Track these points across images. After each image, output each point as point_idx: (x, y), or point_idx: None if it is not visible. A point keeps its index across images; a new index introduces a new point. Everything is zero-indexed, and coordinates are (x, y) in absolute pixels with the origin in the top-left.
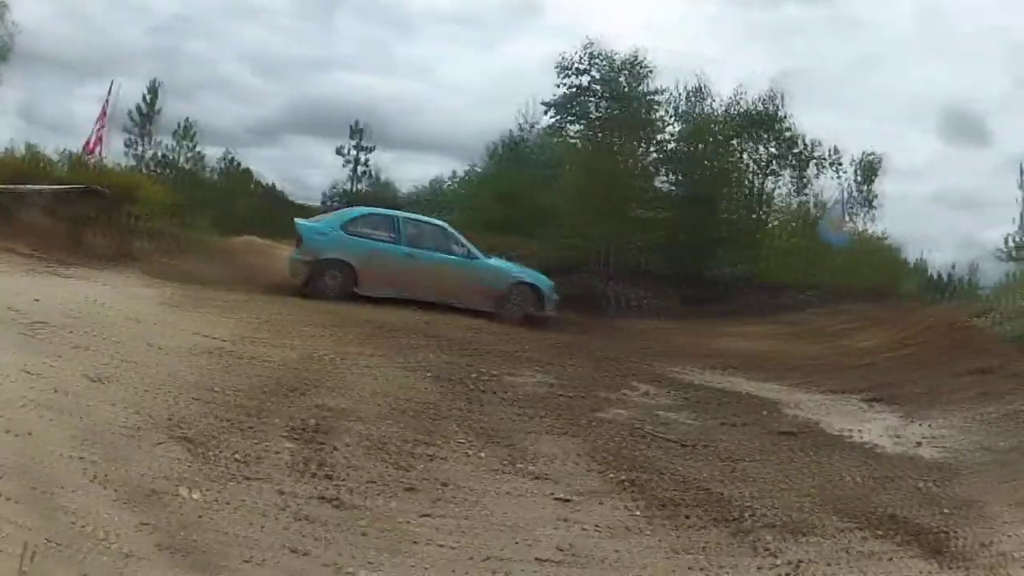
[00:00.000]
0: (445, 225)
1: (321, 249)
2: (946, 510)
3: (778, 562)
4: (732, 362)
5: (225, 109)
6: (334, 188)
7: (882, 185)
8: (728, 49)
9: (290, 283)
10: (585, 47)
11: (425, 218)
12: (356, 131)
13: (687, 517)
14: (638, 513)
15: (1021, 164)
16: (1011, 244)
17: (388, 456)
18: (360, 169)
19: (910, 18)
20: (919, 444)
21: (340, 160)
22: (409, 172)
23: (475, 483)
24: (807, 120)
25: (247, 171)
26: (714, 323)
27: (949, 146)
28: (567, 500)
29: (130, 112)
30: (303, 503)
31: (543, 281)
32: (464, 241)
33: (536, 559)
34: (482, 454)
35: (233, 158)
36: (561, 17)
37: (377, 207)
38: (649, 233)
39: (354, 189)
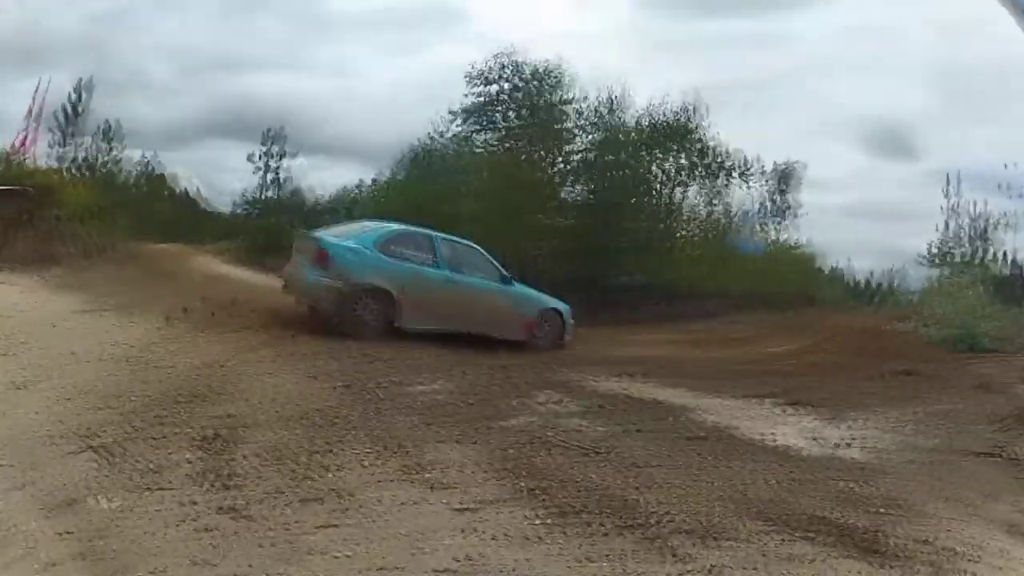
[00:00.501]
0: (477, 246)
1: (355, 272)
2: (875, 510)
3: (692, 568)
4: (639, 369)
5: (147, 109)
6: (243, 195)
7: (801, 195)
8: (648, 62)
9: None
10: (496, 56)
11: (458, 238)
12: (268, 136)
13: (593, 524)
14: (541, 521)
15: (948, 174)
16: (934, 250)
17: (288, 465)
18: (271, 175)
19: (834, 35)
20: (840, 445)
21: (254, 168)
22: (321, 178)
23: (374, 492)
24: (726, 133)
25: (162, 175)
26: (620, 331)
27: (873, 159)
28: (467, 509)
29: (55, 111)
30: (206, 513)
31: (564, 306)
32: (497, 264)
33: (433, 569)
34: (381, 463)
35: (149, 162)
36: (484, 25)
37: (405, 223)
38: (553, 241)
39: (264, 196)
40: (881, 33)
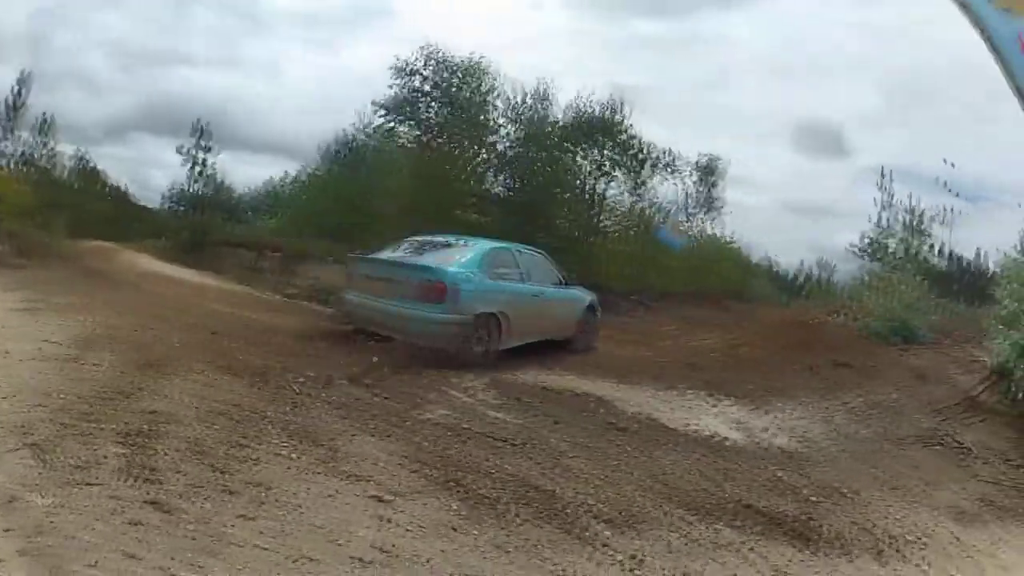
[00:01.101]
0: (541, 251)
1: (473, 302)
2: (806, 497)
3: (612, 557)
4: (561, 362)
5: (83, 103)
6: (171, 189)
7: (728, 191)
8: (578, 60)
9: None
10: (422, 48)
11: (527, 247)
12: (197, 130)
13: (513, 514)
14: (460, 512)
15: (883, 167)
16: (866, 241)
17: (210, 459)
18: (199, 170)
19: (766, 37)
20: (770, 435)
21: (181, 161)
22: (249, 173)
23: (291, 484)
24: (654, 131)
25: (96, 171)
26: None
27: (803, 157)
28: (385, 500)
29: None
30: (132, 507)
31: (594, 297)
32: (556, 266)
33: (350, 558)
34: (298, 456)
35: (83, 157)
36: (413, 23)
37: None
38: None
39: (191, 191)
40: (813, 36)
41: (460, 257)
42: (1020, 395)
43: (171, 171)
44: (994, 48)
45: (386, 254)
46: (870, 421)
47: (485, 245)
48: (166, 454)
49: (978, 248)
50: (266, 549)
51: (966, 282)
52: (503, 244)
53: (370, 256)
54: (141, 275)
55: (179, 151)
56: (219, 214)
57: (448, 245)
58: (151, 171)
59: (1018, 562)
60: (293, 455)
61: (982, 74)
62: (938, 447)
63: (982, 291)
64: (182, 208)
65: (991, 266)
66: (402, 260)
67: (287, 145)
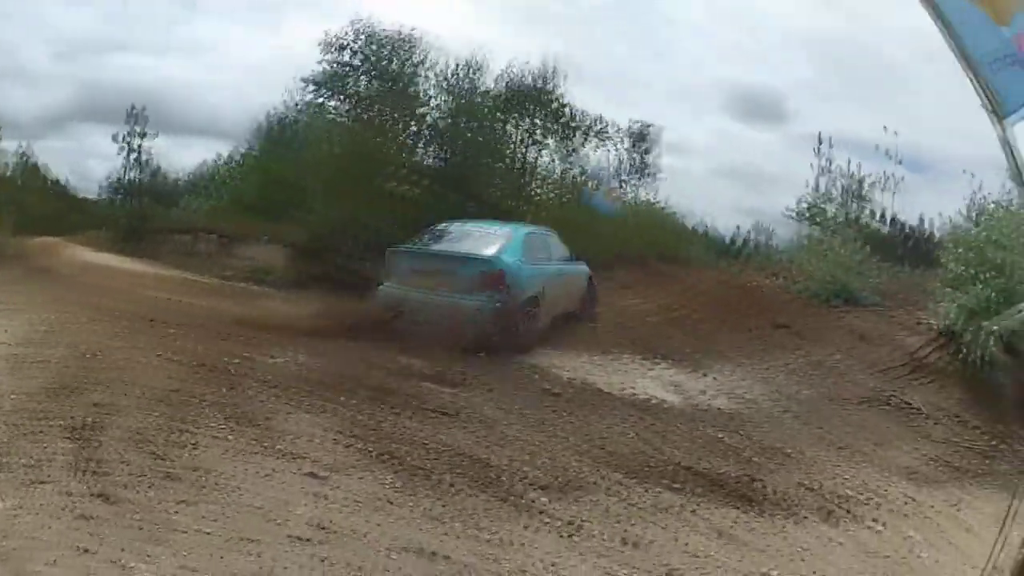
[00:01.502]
0: (552, 231)
1: (524, 287)
2: (751, 458)
3: (549, 523)
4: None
5: (22, 98)
6: (109, 179)
7: (662, 157)
8: (510, 29)
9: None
10: (352, 22)
11: (539, 227)
12: (132, 116)
13: (447, 485)
14: (395, 484)
15: (820, 133)
16: (804, 205)
17: (152, 447)
18: (134, 157)
19: (704, 3)
20: (709, 397)
21: (117, 148)
22: (187, 157)
23: (229, 466)
24: (587, 98)
25: (35, 167)
26: None
27: (739, 124)
28: (321, 476)
29: None
30: (82, 501)
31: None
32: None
33: (289, 537)
34: (236, 438)
35: (24, 153)
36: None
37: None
38: (406, 210)
39: (127, 178)
40: (750, 2)
41: (505, 244)
42: (970, 356)
43: (111, 160)
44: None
45: (429, 246)
46: (812, 382)
47: (520, 230)
48: (111, 445)
49: (922, 215)
50: (208, 533)
51: (910, 247)
52: (531, 228)
53: (415, 249)
54: (84, 269)
55: (115, 139)
56: (156, 200)
57: (481, 233)
58: (92, 162)
59: (982, 523)
60: (230, 437)
61: (927, 43)
62: (885, 407)
63: (926, 256)
64: (120, 197)
65: (936, 232)
66: (455, 252)
67: (225, 126)
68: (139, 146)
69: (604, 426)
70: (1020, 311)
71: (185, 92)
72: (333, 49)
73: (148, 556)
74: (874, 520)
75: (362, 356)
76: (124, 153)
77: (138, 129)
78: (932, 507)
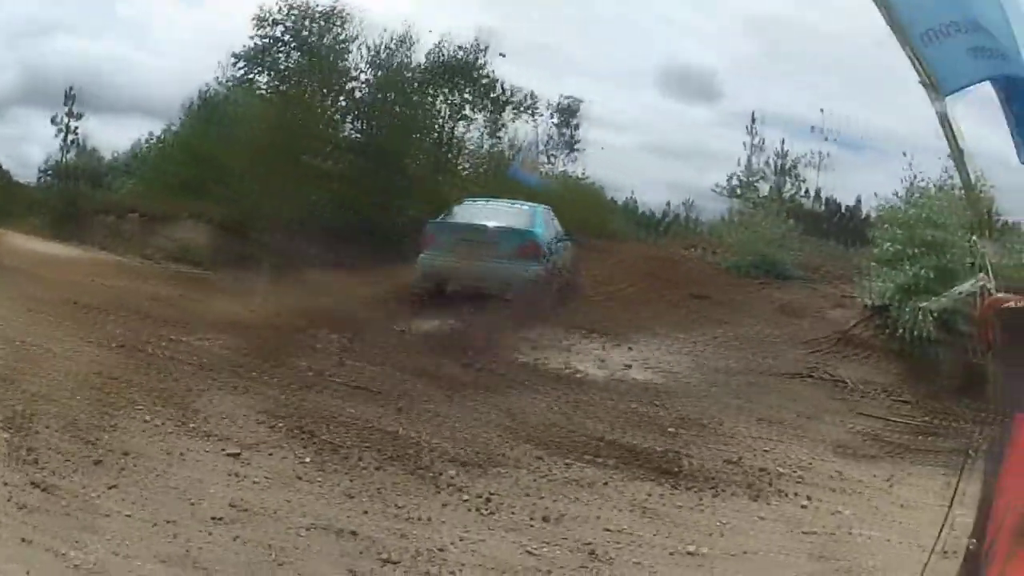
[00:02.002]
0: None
1: (554, 257)
2: (669, 430)
3: (464, 498)
4: (416, 306)
5: None
6: (47, 162)
7: (590, 132)
8: (446, 4)
9: None
10: None
11: (544, 205)
12: (69, 97)
13: (360, 460)
14: (308, 460)
15: (753, 112)
16: (734, 182)
17: (80, 433)
18: (70, 138)
19: None
20: (630, 369)
21: (55, 131)
22: (121, 137)
23: (152, 448)
24: (518, 74)
25: None
26: (395, 269)
27: (673, 101)
28: (235, 455)
29: None
30: (19, 491)
31: None
32: None
33: (211, 518)
34: (157, 419)
35: None
36: None
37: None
38: (328, 185)
39: (64, 161)
40: None
41: (532, 219)
42: (901, 331)
43: (50, 144)
44: None
45: (467, 220)
46: (735, 354)
47: (536, 207)
48: (41, 433)
49: (859, 196)
50: (131, 516)
51: (839, 224)
52: (542, 206)
53: (455, 222)
54: (19, 256)
55: (53, 121)
56: (87, 182)
57: (507, 209)
58: (32, 147)
59: (918, 499)
60: (152, 419)
61: (872, 22)
62: (812, 381)
63: (857, 233)
64: (55, 181)
65: (868, 210)
66: (495, 225)
67: (160, 105)
68: (75, 128)
69: (521, 399)
70: (958, 291)
71: (122, 71)
72: (267, 24)
73: (79, 543)
74: (802, 495)
75: (284, 335)
76: (62, 136)
77: (73, 111)
78: (863, 483)
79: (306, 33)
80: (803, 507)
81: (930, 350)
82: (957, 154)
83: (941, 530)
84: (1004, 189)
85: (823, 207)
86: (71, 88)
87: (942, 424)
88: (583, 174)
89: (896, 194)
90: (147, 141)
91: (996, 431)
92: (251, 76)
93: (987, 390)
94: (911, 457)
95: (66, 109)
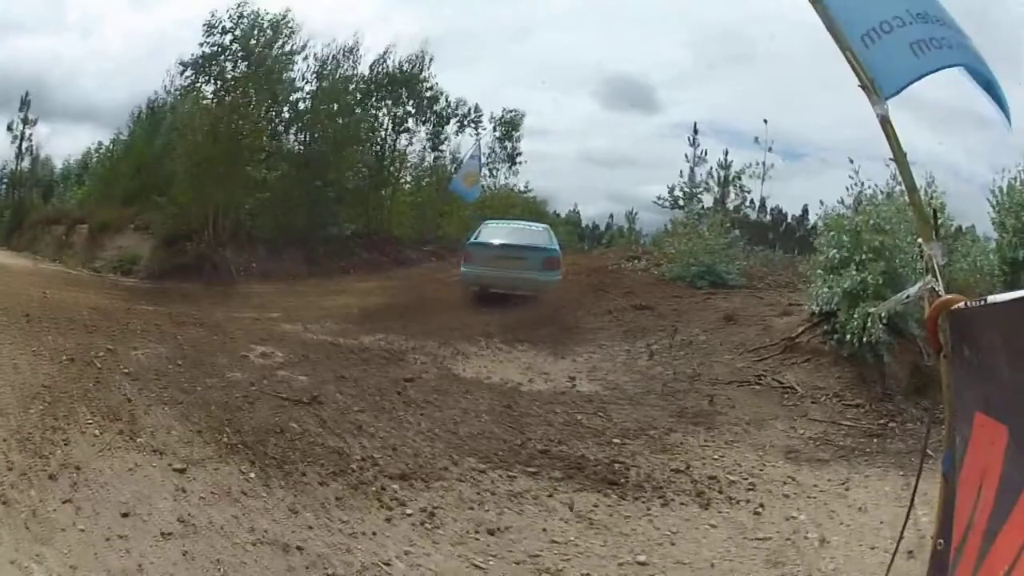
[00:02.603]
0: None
1: (563, 267)
2: (612, 440)
3: (405, 512)
4: (349, 317)
5: None
6: (2, 169)
7: (529, 143)
8: (388, 14)
9: None
10: (238, 5)
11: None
12: (25, 103)
13: (303, 475)
14: (252, 475)
15: (695, 124)
16: (676, 194)
17: (33, 446)
18: (25, 146)
19: None
20: (570, 380)
21: (11, 137)
22: (68, 144)
23: (98, 463)
24: (458, 83)
25: None
26: (332, 281)
27: (613, 112)
28: (181, 470)
29: None
30: None
31: None
32: None
33: (160, 533)
34: (103, 433)
35: None
36: None
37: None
38: (263, 194)
39: (17, 168)
40: None
41: (548, 237)
42: (850, 336)
43: (4, 151)
44: None
45: (497, 239)
46: (680, 364)
47: (548, 228)
48: None
49: (805, 205)
50: (84, 530)
51: (785, 233)
52: (545, 225)
53: (491, 242)
54: None
55: (10, 128)
56: (37, 190)
57: (527, 229)
58: None
59: (875, 501)
60: (102, 433)
61: (805, 35)
62: (758, 387)
63: (803, 242)
64: (9, 190)
65: (815, 218)
66: (524, 243)
67: (110, 112)
68: (31, 135)
69: (460, 412)
70: (906, 294)
71: (76, 78)
72: (216, 31)
73: (38, 556)
74: (754, 502)
75: (223, 348)
76: (16, 142)
77: (28, 117)
78: (818, 487)
79: (253, 42)
80: (756, 514)
81: (880, 353)
82: (900, 157)
83: (902, 530)
84: (954, 196)
85: (769, 217)
86: (27, 94)
87: (896, 426)
88: (525, 187)
89: (842, 201)
90: (96, 150)
91: (953, 431)
92: (197, 85)
93: (940, 391)
94: (866, 460)
95: (21, 115)
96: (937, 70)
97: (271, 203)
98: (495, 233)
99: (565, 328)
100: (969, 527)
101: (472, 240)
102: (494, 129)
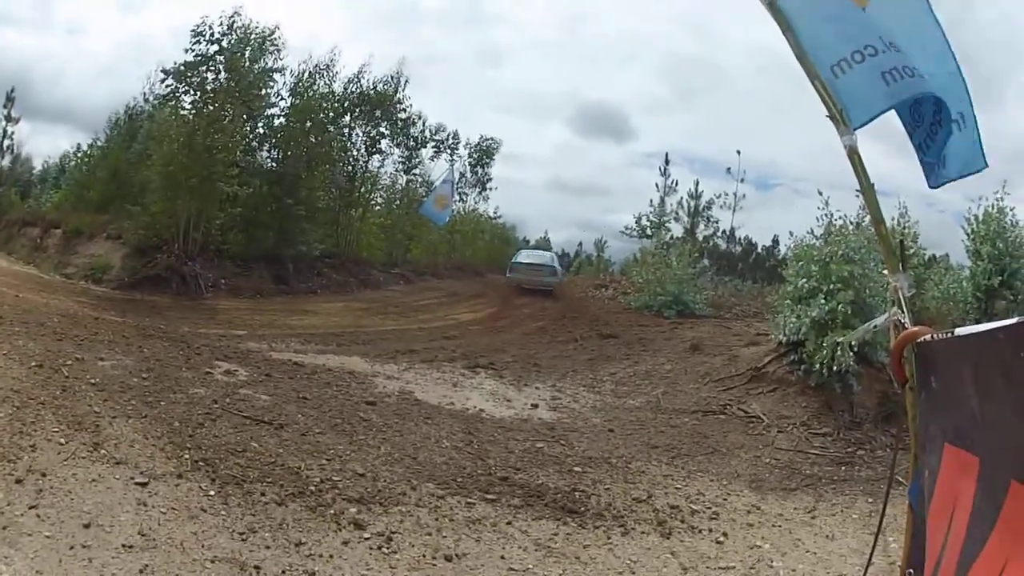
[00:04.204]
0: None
1: (564, 274)
2: (573, 468)
3: (363, 535)
4: (314, 338)
5: None
6: None
7: (500, 168)
8: (361, 34)
9: None
10: (232, 15)
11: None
12: (10, 99)
13: (262, 494)
14: (212, 493)
15: (666, 154)
16: (644, 223)
17: (1, 450)
18: (6, 143)
19: (557, 20)
20: (532, 407)
21: None
22: (47, 145)
23: (63, 471)
24: (431, 105)
25: None
26: (299, 300)
27: (585, 140)
28: (143, 484)
29: None
30: None
31: None
32: None
33: (122, 546)
34: (68, 441)
35: None
36: None
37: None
38: (234, 209)
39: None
40: (601, 22)
41: (552, 258)
42: (817, 366)
43: None
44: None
45: (526, 260)
46: (644, 393)
47: (552, 253)
48: None
49: (775, 235)
50: (49, 537)
51: (755, 263)
52: (551, 252)
53: (522, 261)
54: None
55: None
56: (16, 189)
57: (543, 253)
58: None
59: (842, 529)
60: (67, 442)
61: (777, 66)
62: (722, 416)
63: (772, 272)
64: None
65: (782, 248)
66: (539, 262)
67: (90, 115)
68: (12, 132)
69: (420, 436)
70: (873, 325)
71: (61, 78)
72: (205, 39)
73: (7, 558)
74: (717, 531)
75: (187, 362)
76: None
77: (14, 115)
78: (783, 516)
79: (238, 55)
80: (718, 543)
81: (850, 383)
82: (867, 188)
83: (870, 557)
84: (928, 225)
85: (739, 247)
86: (12, 89)
87: (864, 453)
88: (495, 212)
89: (811, 232)
90: (75, 153)
91: (922, 462)
92: (177, 94)
93: (905, 422)
94: (833, 487)
95: (5, 112)
96: (909, 99)
97: (242, 219)
98: (526, 256)
99: (529, 355)
100: (941, 558)
101: (514, 260)
102: (469, 156)
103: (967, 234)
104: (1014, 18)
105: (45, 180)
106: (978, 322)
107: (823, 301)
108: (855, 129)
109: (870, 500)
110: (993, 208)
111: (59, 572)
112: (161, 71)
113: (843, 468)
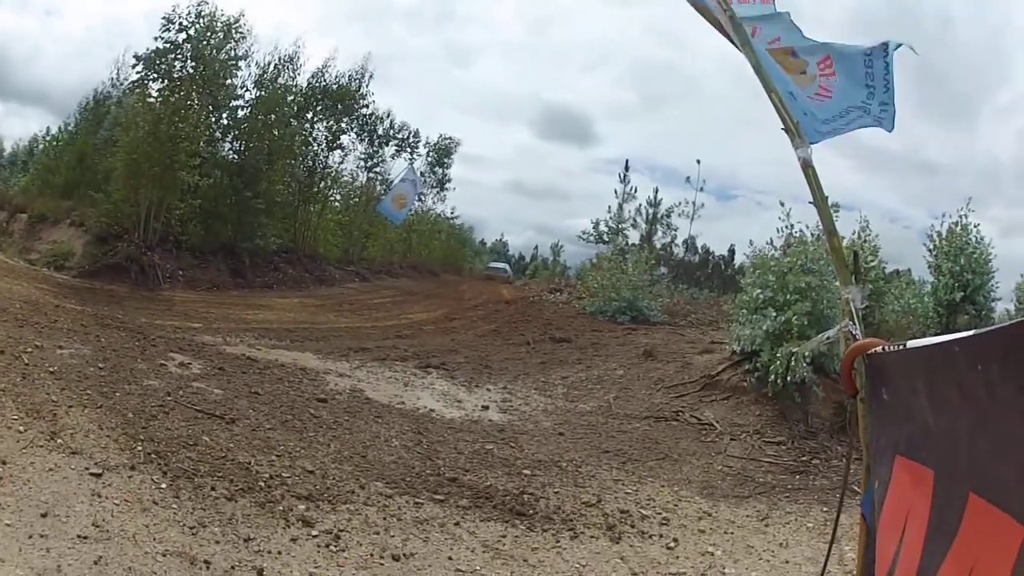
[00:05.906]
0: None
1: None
2: (522, 471)
3: (310, 532)
4: (268, 333)
5: None
6: None
7: (459, 169)
8: (331, 27)
9: None
10: (199, 2)
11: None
12: None
13: (210, 489)
14: (164, 486)
15: (627, 161)
16: (602, 228)
17: None
18: None
19: (526, 22)
20: (482, 408)
21: None
22: (16, 127)
23: (22, 459)
24: (397, 103)
25: None
26: (254, 295)
27: (547, 144)
28: (95, 475)
29: None
30: None
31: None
32: None
33: (77, 536)
34: (27, 429)
35: None
36: None
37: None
38: (195, 201)
39: None
40: (570, 25)
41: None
42: (772, 376)
43: None
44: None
45: (493, 266)
46: (596, 397)
47: (506, 264)
48: None
49: (732, 245)
50: (9, 525)
51: (713, 272)
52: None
53: (491, 266)
54: None
55: None
56: None
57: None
58: None
59: (795, 537)
60: (26, 430)
61: (744, 76)
62: (674, 423)
63: (729, 281)
64: None
65: (740, 258)
66: (499, 268)
67: (61, 98)
68: None
69: (369, 435)
70: (825, 336)
71: (36, 59)
72: (174, 27)
73: None
74: (667, 537)
75: (139, 351)
76: None
77: None
78: (735, 523)
79: (204, 43)
80: (669, 548)
81: (804, 392)
82: (820, 200)
83: (825, 564)
84: (890, 240)
85: (696, 255)
86: None
87: (820, 463)
88: (452, 213)
89: (770, 242)
90: (44, 137)
91: (873, 473)
92: (146, 81)
93: (857, 434)
94: (787, 496)
95: None
96: (861, 127)
97: (201, 210)
98: (493, 265)
99: (481, 357)
100: (893, 568)
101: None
102: (428, 154)
103: (929, 250)
104: (989, 42)
105: (14, 163)
106: (938, 336)
107: (774, 313)
108: (811, 143)
109: (825, 509)
110: (957, 225)
111: (19, 560)
112: (133, 56)
113: (797, 477)
